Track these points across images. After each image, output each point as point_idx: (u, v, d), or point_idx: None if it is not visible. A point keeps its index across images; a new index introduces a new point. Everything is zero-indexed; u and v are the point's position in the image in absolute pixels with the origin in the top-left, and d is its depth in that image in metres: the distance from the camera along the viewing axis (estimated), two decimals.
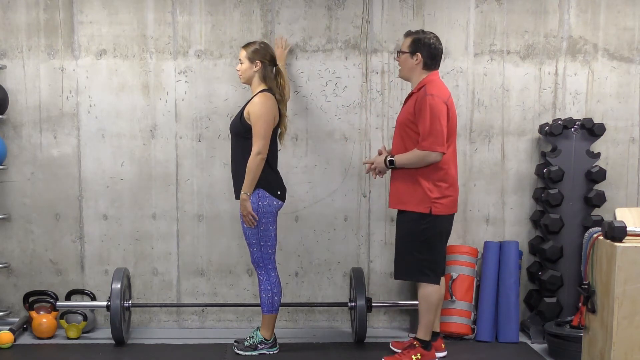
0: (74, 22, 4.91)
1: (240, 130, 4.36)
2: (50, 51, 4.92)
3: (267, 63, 4.41)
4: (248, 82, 4.45)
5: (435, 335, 4.41)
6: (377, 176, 4.42)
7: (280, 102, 4.42)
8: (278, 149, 4.55)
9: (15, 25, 4.90)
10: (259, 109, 4.28)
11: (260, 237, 4.38)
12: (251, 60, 4.38)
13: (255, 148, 4.26)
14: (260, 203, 4.32)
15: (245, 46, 4.44)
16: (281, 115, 4.42)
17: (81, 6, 4.90)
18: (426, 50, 4.21)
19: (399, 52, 4.31)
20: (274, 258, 4.49)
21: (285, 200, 4.50)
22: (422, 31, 4.30)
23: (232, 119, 4.54)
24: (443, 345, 4.50)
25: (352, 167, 5.04)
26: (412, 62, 4.24)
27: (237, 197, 4.41)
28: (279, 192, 4.40)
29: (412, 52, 4.23)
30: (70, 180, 5.01)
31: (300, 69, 4.96)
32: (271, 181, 4.37)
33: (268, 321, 4.50)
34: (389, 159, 4.25)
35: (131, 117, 4.98)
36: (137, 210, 5.04)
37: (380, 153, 4.39)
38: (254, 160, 4.25)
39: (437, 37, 4.27)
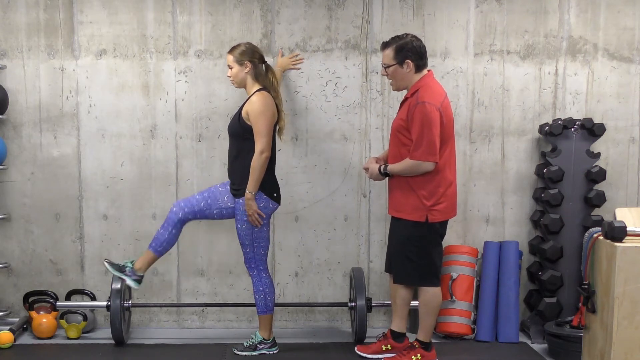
0: (74, 22, 4.91)
1: (239, 131, 4.34)
2: (50, 51, 4.93)
3: (257, 62, 4.37)
4: (242, 85, 4.41)
5: (401, 336, 4.43)
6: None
7: (276, 98, 4.40)
8: (278, 149, 4.55)
9: (15, 25, 4.90)
10: (259, 107, 4.26)
11: (254, 238, 4.38)
12: (240, 62, 4.34)
13: (258, 147, 4.23)
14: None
15: (231, 50, 4.39)
16: (279, 111, 4.40)
17: (81, 6, 4.90)
18: (413, 53, 4.11)
19: (385, 66, 4.19)
20: (266, 259, 4.49)
21: (281, 202, 4.48)
22: (397, 37, 4.18)
23: (230, 119, 4.52)
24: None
25: (352, 167, 5.04)
26: (403, 72, 4.15)
27: (234, 195, 4.40)
28: (275, 195, 4.40)
29: (401, 62, 4.12)
30: (70, 180, 5.01)
31: (300, 69, 4.96)
32: (268, 183, 4.35)
33: (264, 321, 4.51)
34: (383, 170, 4.24)
35: (131, 117, 4.98)
36: (137, 210, 5.04)
37: (376, 161, 4.36)
38: (259, 160, 4.23)
39: (414, 36, 4.18)
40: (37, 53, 4.92)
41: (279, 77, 4.69)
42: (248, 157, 4.27)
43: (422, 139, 4.03)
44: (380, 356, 4.41)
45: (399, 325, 4.42)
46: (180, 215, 4.43)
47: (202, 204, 4.43)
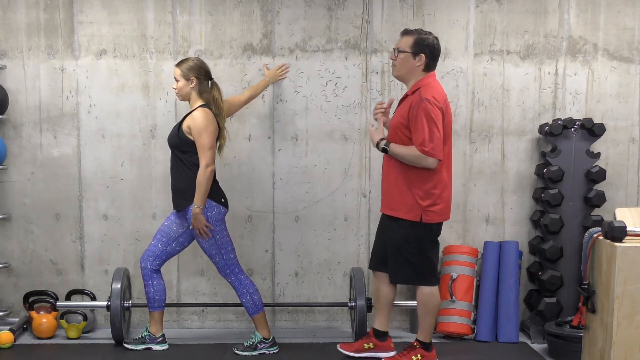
0: (74, 22, 4.91)
1: (178, 144, 4.36)
2: (50, 51, 4.93)
3: (203, 78, 4.38)
4: (186, 98, 4.43)
5: (384, 335, 4.43)
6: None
7: (218, 115, 4.40)
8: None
9: (15, 25, 4.90)
10: (201, 122, 4.27)
11: (219, 246, 4.40)
12: (186, 77, 4.35)
13: (203, 161, 4.25)
14: (209, 213, 4.33)
15: (179, 64, 4.40)
16: (220, 128, 4.41)
17: (81, 6, 4.90)
18: (429, 51, 4.11)
19: (398, 50, 4.15)
20: (238, 261, 4.52)
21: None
22: (422, 31, 4.18)
23: (170, 132, 4.50)
24: (392, 345, 4.48)
25: (352, 167, 5.04)
26: (413, 63, 4.12)
27: (177, 209, 4.44)
28: (223, 200, 4.43)
29: (415, 53, 4.10)
30: (70, 180, 5.01)
31: (300, 69, 4.96)
32: (214, 191, 4.37)
33: (259, 321, 4.53)
34: (382, 145, 4.15)
35: (131, 117, 4.98)
36: (137, 210, 5.04)
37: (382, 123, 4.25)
38: (204, 173, 4.25)
39: (437, 37, 4.18)
40: (37, 53, 4.92)
41: (262, 87, 4.78)
42: (188, 169, 4.33)
43: (430, 134, 3.97)
44: (363, 355, 4.40)
45: (382, 323, 4.41)
46: (149, 265, 4.51)
47: (160, 246, 4.50)
